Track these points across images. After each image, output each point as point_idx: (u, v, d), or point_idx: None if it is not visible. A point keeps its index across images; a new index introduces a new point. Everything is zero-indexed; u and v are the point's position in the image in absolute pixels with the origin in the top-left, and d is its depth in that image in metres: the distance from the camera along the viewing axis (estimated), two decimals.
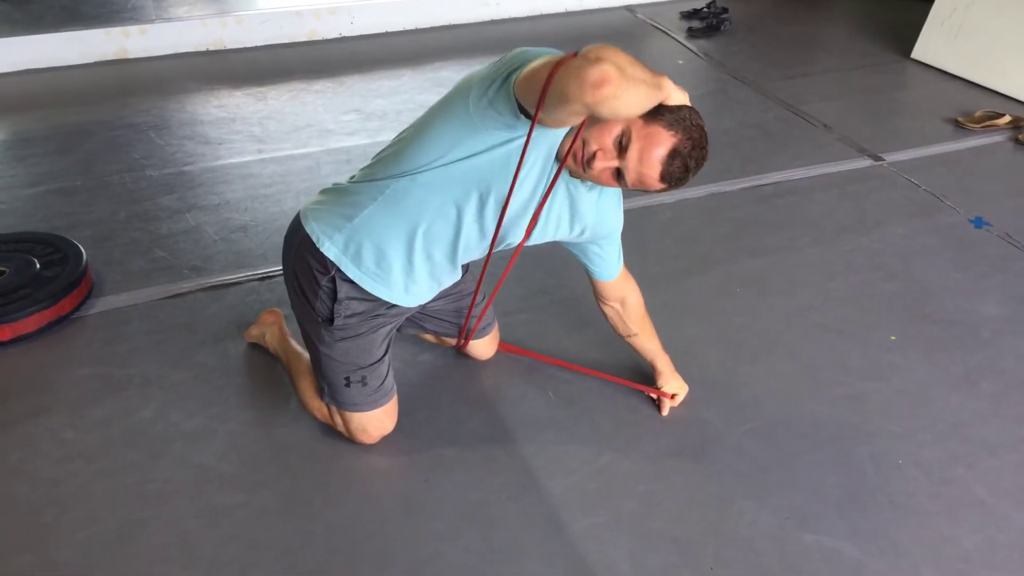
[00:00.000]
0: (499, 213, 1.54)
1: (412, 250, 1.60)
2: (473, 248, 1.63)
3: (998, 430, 1.93)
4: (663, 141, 1.39)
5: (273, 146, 3.19)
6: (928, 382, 2.08)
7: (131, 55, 3.94)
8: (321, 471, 1.79)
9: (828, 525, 1.69)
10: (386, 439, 1.84)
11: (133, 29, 3.93)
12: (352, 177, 1.68)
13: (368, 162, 1.65)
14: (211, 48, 4.07)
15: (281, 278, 2.37)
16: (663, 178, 1.41)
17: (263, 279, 2.40)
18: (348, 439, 1.83)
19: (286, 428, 1.90)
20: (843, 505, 1.73)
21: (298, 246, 1.66)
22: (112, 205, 2.77)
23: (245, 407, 1.96)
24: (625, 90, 1.22)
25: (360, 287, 1.64)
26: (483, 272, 1.78)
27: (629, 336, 1.92)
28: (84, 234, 2.55)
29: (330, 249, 1.61)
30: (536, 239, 1.65)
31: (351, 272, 1.62)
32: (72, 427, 1.89)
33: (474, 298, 1.92)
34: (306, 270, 1.66)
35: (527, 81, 1.32)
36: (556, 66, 1.25)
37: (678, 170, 1.41)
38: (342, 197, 1.63)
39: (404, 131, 1.61)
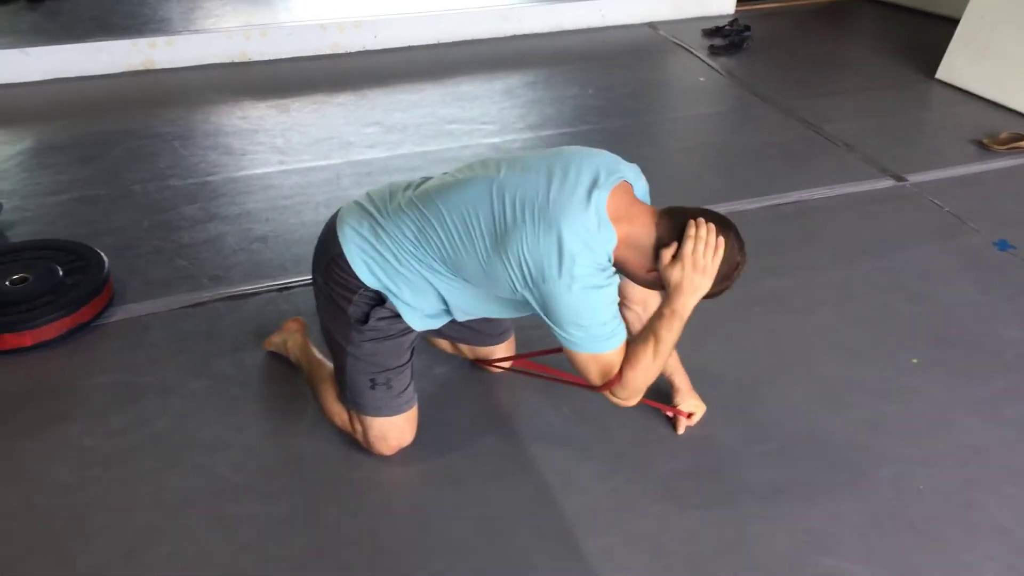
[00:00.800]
0: None
1: (453, 312, 1.74)
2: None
3: (1021, 456, 1.90)
4: None
5: (295, 158, 3.22)
6: (949, 406, 2.05)
7: (157, 66, 4.00)
8: (336, 482, 1.79)
9: (846, 549, 1.66)
10: (401, 451, 1.83)
11: (160, 40, 3.98)
12: (392, 196, 1.71)
13: (411, 196, 1.68)
14: (236, 60, 4.12)
15: (300, 289, 2.41)
16: None
17: (282, 290, 2.42)
18: (364, 450, 1.83)
19: (302, 439, 1.90)
20: (862, 529, 1.71)
21: (333, 259, 1.68)
22: (135, 214, 2.80)
23: (262, 417, 1.97)
24: None
25: None
26: None
27: None
28: (106, 242, 2.58)
29: (368, 278, 1.67)
30: None
31: (392, 299, 1.68)
32: (91, 434, 1.90)
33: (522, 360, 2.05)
34: (340, 279, 1.69)
35: (570, 362, 1.63)
36: (598, 389, 1.65)
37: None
38: (385, 239, 1.65)
39: (449, 206, 1.60)
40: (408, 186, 1.73)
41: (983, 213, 2.90)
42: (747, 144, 3.43)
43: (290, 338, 2.06)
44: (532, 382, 2.07)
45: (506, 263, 1.52)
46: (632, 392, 1.62)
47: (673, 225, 1.55)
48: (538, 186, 1.54)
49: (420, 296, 1.68)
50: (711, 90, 4.07)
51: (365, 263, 1.66)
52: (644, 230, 1.56)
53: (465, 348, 2.06)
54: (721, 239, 1.53)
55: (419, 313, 1.71)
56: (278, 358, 2.13)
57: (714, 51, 4.43)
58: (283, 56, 4.19)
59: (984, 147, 3.39)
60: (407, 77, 4.03)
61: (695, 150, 3.43)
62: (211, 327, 2.26)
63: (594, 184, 1.53)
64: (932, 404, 2.06)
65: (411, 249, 1.64)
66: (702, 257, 1.52)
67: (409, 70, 4.12)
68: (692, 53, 4.45)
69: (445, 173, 1.72)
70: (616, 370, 1.59)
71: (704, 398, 1.97)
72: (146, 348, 2.18)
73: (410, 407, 1.81)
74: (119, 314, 2.30)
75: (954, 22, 4.12)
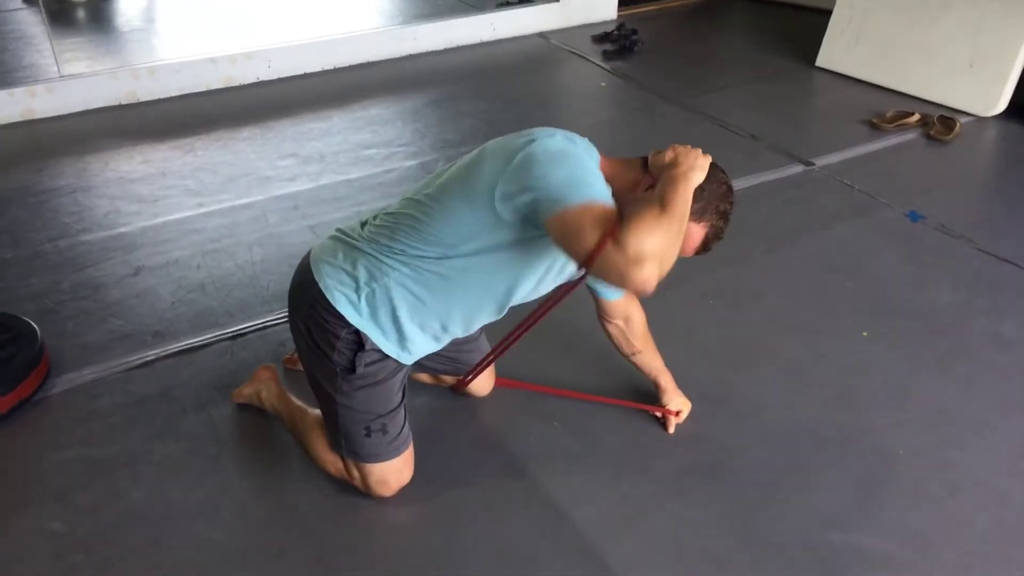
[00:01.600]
0: (519, 292, 1.65)
1: (434, 327, 1.66)
2: (489, 318, 1.72)
3: (979, 410, 2.04)
4: (695, 236, 1.54)
5: (212, 198, 3.08)
6: (905, 372, 2.17)
7: (39, 115, 3.74)
8: (342, 531, 1.72)
9: (851, 522, 1.74)
10: (402, 489, 1.78)
11: (39, 88, 3.73)
12: (364, 224, 1.66)
13: (380, 216, 1.64)
14: (124, 102, 3.90)
15: (254, 335, 2.31)
16: (701, 252, 1.60)
17: (235, 337, 2.31)
18: (362, 493, 1.77)
19: (295, 490, 1.82)
20: (860, 501, 1.79)
21: (312, 301, 1.61)
22: (52, 275, 2.61)
23: (246, 473, 1.87)
24: (661, 276, 1.31)
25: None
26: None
27: (633, 354, 1.94)
28: (28, 309, 2.39)
29: (349, 311, 1.60)
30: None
31: (372, 334, 1.62)
32: (60, 518, 1.75)
33: (498, 349, 1.94)
34: (322, 323, 1.62)
35: (560, 235, 1.37)
36: (596, 250, 1.31)
37: (712, 244, 1.60)
38: (359, 259, 1.60)
39: (421, 192, 1.59)
40: (379, 212, 1.69)
41: (889, 188, 3.09)
42: (661, 142, 3.42)
43: (264, 388, 1.97)
44: (516, 401, 2.06)
45: (481, 167, 1.49)
46: (640, 236, 1.27)
47: (654, 149, 1.57)
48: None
49: (407, 321, 1.61)
50: (613, 94, 4.17)
51: (344, 295, 1.59)
52: (625, 160, 1.59)
53: (447, 379, 2.03)
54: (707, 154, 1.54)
55: (402, 341, 1.64)
56: (249, 409, 2.03)
57: (607, 56, 4.54)
58: (175, 94, 4.00)
59: (874, 126, 3.62)
60: (311, 105, 3.92)
61: (615, 152, 3.47)
62: (166, 386, 2.13)
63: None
64: (890, 372, 2.17)
65: (387, 253, 1.57)
66: (691, 150, 1.51)
67: (311, 98, 4.02)
68: (587, 59, 4.54)
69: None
70: (616, 224, 1.33)
71: (685, 394, 2.01)
72: (100, 417, 2.03)
73: (406, 448, 1.76)
74: (60, 385, 2.13)
75: (821, 12, 4.39)
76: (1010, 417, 2.01)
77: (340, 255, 1.63)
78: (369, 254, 1.59)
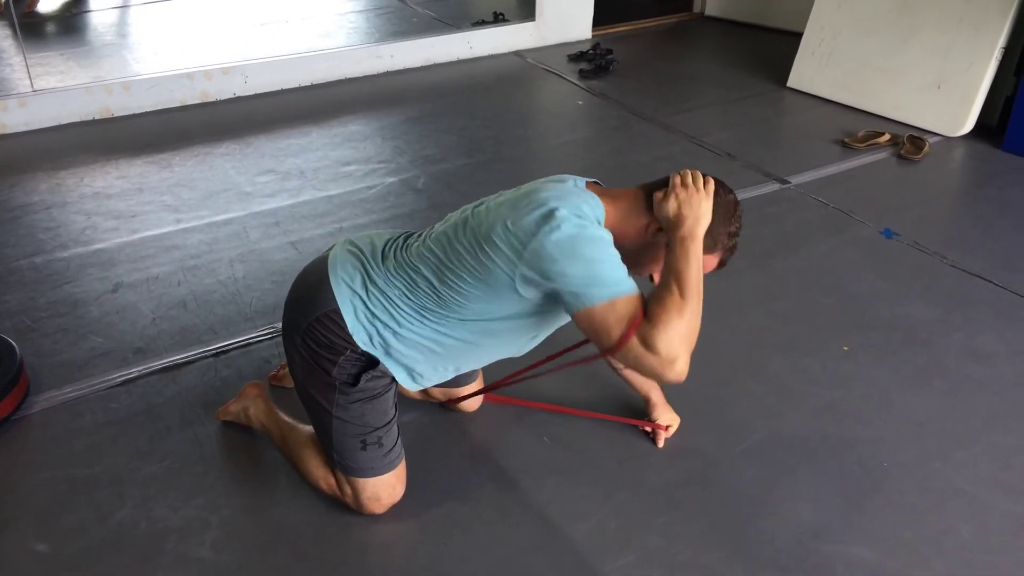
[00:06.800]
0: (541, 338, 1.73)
1: (448, 369, 1.72)
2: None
3: (958, 424, 2.08)
4: (710, 264, 1.59)
5: (191, 214, 3.05)
6: (886, 386, 2.21)
7: (11, 129, 3.68)
8: (334, 548, 1.71)
9: (839, 533, 1.76)
10: (393, 506, 1.77)
11: (11, 102, 3.67)
12: (383, 254, 1.67)
13: (400, 253, 1.65)
14: (98, 117, 3.86)
15: (237, 352, 2.29)
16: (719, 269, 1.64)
17: (218, 354, 2.28)
18: (352, 510, 1.76)
19: (284, 508, 1.80)
20: (847, 512, 1.81)
21: (322, 318, 1.62)
22: (27, 292, 2.56)
23: (234, 492, 1.84)
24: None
25: None
26: None
27: (625, 370, 1.95)
28: (3, 326, 2.36)
29: (369, 347, 1.62)
30: None
31: (389, 365, 1.65)
32: (44, 539, 1.71)
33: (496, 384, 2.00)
34: (325, 339, 1.62)
35: (587, 330, 1.44)
36: (619, 343, 1.39)
37: (728, 261, 1.64)
38: (379, 298, 1.61)
39: (440, 245, 1.58)
40: (393, 243, 1.70)
41: (863, 206, 3.16)
42: (640, 160, 3.57)
43: (252, 405, 1.94)
44: (506, 416, 2.06)
45: (494, 250, 1.47)
46: (669, 336, 1.35)
47: (656, 184, 1.57)
48: (509, 192, 1.59)
49: (425, 365, 1.67)
50: (591, 112, 4.21)
51: (368, 333, 1.61)
52: (629, 198, 1.57)
53: (436, 392, 2.02)
54: (709, 177, 1.55)
55: (414, 376, 1.69)
56: (234, 427, 2.00)
57: (583, 75, 4.59)
58: (150, 109, 3.96)
59: (846, 146, 3.70)
60: (289, 121, 3.91)
61: (594, 171, 3.46)
62: (149, 403, 2.10)
63: (567, 178, 1.59)
64: (871, 386, 2.21)
65: (405, 307, 1.60)
66: (693, 183, 1.50)
67: (289, 114, 4.01)
68: (564, 78, 4.59)
69: (429, 228, 1.70)
70: (640, 316, 1.39)
71: (674, 409, 2.03)
72: (82, 436, 1.99)
73: (400, 462, 1.76)
74: (40, 403, 2.09)
75: (791, 34, 4.48)
76: (990, 430, 2.05)
77: (358, 282, 1.63)
78: (390, 299, 1.60)
